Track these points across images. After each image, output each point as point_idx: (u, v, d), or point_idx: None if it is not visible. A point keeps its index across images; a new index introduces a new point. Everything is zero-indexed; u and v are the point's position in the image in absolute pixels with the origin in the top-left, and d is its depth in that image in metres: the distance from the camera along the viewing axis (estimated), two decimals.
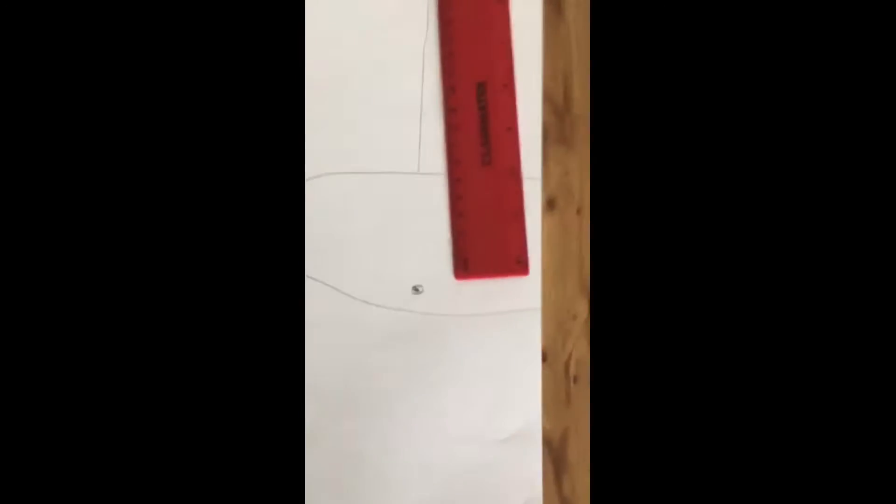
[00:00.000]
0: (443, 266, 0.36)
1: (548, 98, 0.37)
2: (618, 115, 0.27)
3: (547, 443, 0.36)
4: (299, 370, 0.28)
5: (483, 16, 0.37)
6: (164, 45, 0.27)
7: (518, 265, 0.36)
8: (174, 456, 0.26)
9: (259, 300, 0.26)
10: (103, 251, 0.26)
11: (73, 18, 0.27)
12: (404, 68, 0.37)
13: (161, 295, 0.26)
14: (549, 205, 0.37)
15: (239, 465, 0.26)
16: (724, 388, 0.26)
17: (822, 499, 0.26)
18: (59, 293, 0.26)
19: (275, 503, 0.26)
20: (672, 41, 0.27)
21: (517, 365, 0.36)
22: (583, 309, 0.36)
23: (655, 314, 0.27)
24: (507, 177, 0.36)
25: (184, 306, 0.26)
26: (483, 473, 0.35)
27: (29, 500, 0.26)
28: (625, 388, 0.27)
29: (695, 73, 0.27)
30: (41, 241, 0.26)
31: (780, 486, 0.26)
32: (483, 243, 0.36)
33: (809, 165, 0.26)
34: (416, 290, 0.36)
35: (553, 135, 0.37)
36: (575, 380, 0.36)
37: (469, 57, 0.37)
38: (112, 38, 0.27)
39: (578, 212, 0.37)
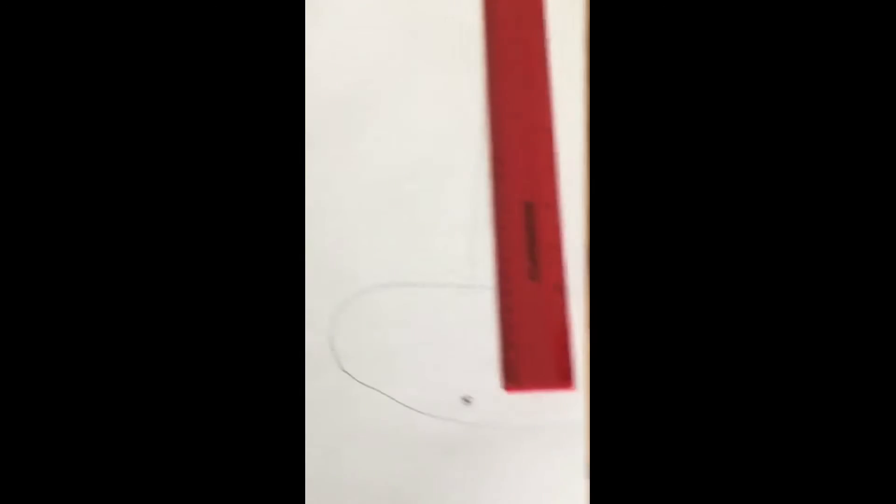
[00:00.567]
0: (490, 377, 0.37)
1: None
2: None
3: None
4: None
5: (531, 138, 0.39)
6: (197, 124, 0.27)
7: (565, 380, 0.37)
8: None
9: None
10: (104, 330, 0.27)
11: (76, 31, 0.27)
12: (457, 186, 0.39)
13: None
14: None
15: None
16: (725, 388, 0.26)
17: (822, 499, 0.25)
18: (57, 298, 0.26)
19: None
20: (670, 105, 0.28)
21: (561, 479, 0.36)
22: None
23: (655, 315, 0.27)
24: (553, 292, 0.37)
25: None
26: None
27: (29, 500, 0.25)
28: (625, 390, 0.27)
29: (694, 141, 0.27)
30: (40, 243, 0.26)
31: (780, 486, 0.26)
32: (532, 356, 0.37)
33: (809, 165, 0.27)
34: (465, 400, 0.36)
35: None
36: None
37: (516, 177, 0.39)
38: (120, 56, 0.27)
39: None
